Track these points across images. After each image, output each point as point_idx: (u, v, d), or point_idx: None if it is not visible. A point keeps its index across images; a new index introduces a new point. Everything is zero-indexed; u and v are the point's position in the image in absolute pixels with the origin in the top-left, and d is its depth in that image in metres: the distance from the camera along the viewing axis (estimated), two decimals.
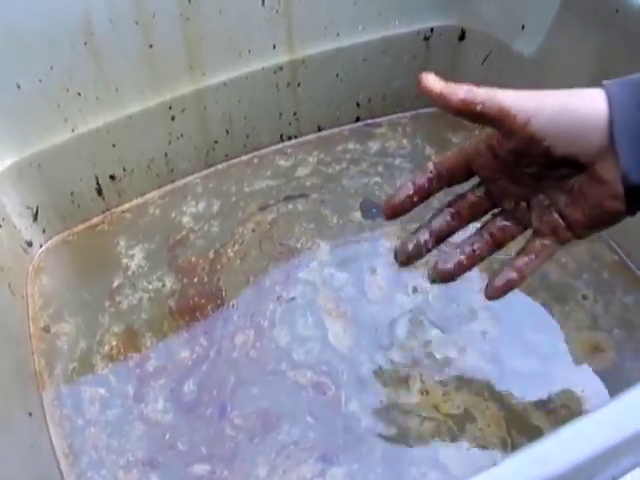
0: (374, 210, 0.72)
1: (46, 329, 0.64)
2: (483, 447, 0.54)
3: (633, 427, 0.31)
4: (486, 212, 0.45)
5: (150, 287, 0.66)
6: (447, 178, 0.44)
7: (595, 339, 0.61)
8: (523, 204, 0.43)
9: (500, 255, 0.46)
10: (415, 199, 0.44)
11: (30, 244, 0.69)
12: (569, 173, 0.39)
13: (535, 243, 0.43)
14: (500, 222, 0.44)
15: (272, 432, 0.56)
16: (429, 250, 0.46)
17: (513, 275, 0.43)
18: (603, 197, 0.38)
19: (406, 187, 0.44)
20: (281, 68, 0.73)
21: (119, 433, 0.57)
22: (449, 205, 0.45)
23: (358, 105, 0.80)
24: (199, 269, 0.67)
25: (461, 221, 0.45)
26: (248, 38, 0.69)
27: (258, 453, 0.55)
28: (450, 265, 0.44)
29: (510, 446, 0.54)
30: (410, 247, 0.45)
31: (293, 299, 0.65)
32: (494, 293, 0.44)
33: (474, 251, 0.44)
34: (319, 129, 0.80)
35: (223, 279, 0.67)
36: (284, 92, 0.75)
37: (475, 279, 0.63)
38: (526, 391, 0.57)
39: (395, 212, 0.44)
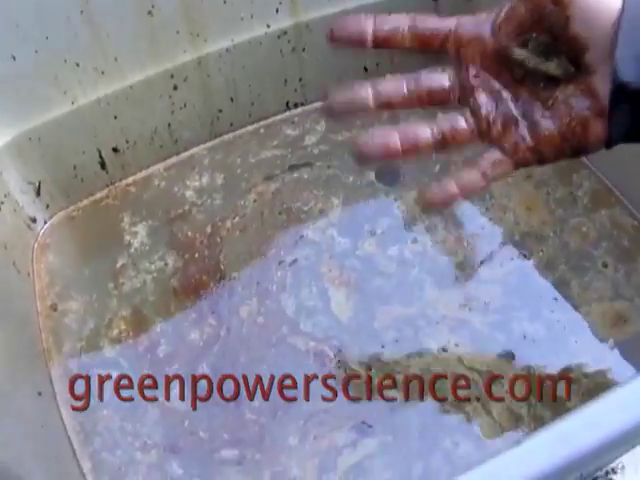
0: (390, 175, 0.70)
1: (53, 307, 0.63)
2: (512, 416, 0.53)
3: None
4: (443, 103, 0.40)
5: (153, 267, 0.65)
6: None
7: (617, 309, 0.59)
8: (490, 107, 0.39)
9: None
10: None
11: (34, 220, 0.68)
12: (558, 80, 0.36)
13: (489, 157, 0.39)
14: (455, 120, 0.39)
15: (294, 401, 0.55)
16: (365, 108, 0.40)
17: (454, 189, 0.39)
18: (588, 112, 0.35)
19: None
20: (285, 33, 0.70)
21: (133, 417, 0.56)
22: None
23: (366, 70, 0.77)
24: (197, 243, 0.66)
25: (411, 100, 0.40)
26: (249, 1, 0.66)
27: (285, 424, 0.54)
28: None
29: (533, 416, 0.53)
30: (347, 96, 0.40)
31: (296, 261, 0.64)
32: (427, 202, 0.41)
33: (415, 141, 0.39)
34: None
35: (224, 252, 0.65)
36: (289, 58, 0.72)
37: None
38: (547, 362, 0.56)
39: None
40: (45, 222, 0.69)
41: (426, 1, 0.73)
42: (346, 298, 0.61)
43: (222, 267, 0.64)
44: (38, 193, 0.67)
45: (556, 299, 0.59)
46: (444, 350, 0.57)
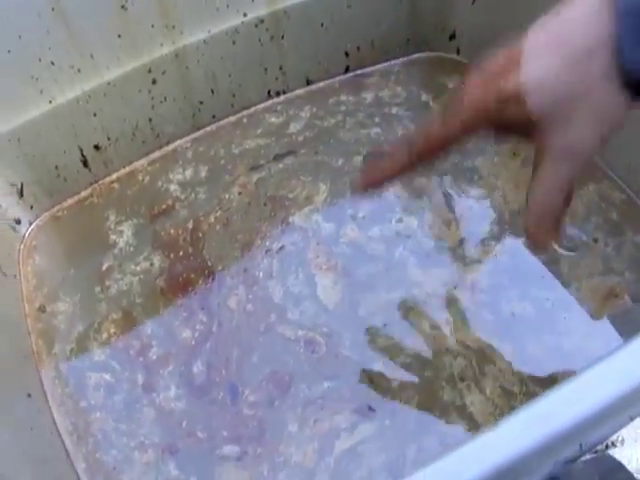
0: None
1: (42, 308, 0.63)
2: (505, 393, 0.53)
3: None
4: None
5: (138, 269, 0.64)
6: None
7: (608, 284, 0.58)
8: None
9: None
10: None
11: (19, 222, 0.67)
12: None
13: None
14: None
15: (289, 390, 0.55)
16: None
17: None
18: None
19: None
20: (262, 21, 0.69)
21: (128, 419, 0.55)
22: None
23: (347, 54, 0.76)
24: (181, 241, 0.65)
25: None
26: None
27: (283, 413, 0.54)
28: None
29: (526, 393, 0.53)
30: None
31: (282, 248, 0.63)
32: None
33: None
34: (308, 82, 0.77)
35: (207, 247, 0.64)
36: (268, 46, 0.72)
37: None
38: (536, 339, 0.55)
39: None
40: (30, 223, 0.68)
41: None
42: (333, 283, 0.60)
43: (209, 263, 0.63)
44: (21, 194, 0.67)
45: (544, 277, 0.59)
46: (434, 328, 0.57)
